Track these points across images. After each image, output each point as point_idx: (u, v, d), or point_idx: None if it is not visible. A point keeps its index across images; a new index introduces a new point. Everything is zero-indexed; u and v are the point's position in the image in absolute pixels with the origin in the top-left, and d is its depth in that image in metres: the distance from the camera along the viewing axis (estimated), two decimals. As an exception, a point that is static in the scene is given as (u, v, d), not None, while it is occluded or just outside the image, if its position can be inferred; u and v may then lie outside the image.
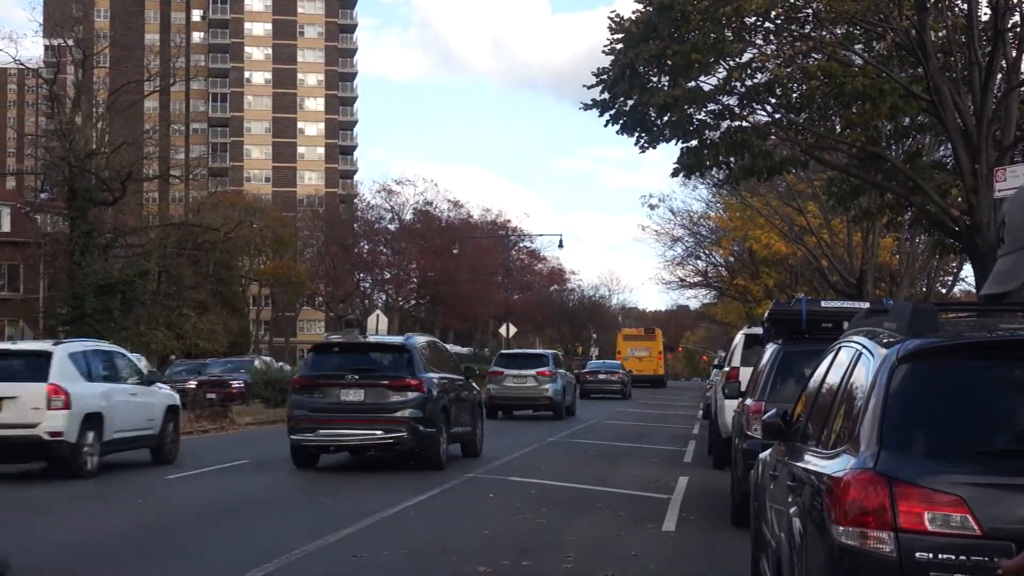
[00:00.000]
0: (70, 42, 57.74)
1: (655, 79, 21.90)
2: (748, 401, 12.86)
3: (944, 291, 47.52)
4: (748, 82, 22.05)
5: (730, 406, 16.41)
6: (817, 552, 5.00)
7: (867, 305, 12.32)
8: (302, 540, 11.05)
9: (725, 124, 22.86)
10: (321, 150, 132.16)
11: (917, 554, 4.47)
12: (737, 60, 21.73)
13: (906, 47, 20.78)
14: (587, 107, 22.61)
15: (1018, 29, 20.94)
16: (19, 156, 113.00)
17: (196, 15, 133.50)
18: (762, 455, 7.88)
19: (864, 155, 22.96)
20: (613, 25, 21.85)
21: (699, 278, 69.37)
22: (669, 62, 20.92)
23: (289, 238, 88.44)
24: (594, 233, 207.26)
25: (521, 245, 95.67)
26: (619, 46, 21.69)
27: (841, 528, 4.68)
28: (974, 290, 24.89)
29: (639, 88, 21.65)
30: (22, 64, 57.93)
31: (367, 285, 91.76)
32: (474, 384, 21.92)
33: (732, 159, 23.16)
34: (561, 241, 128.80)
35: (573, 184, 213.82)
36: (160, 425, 19.38)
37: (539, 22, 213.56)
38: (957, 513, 4.46)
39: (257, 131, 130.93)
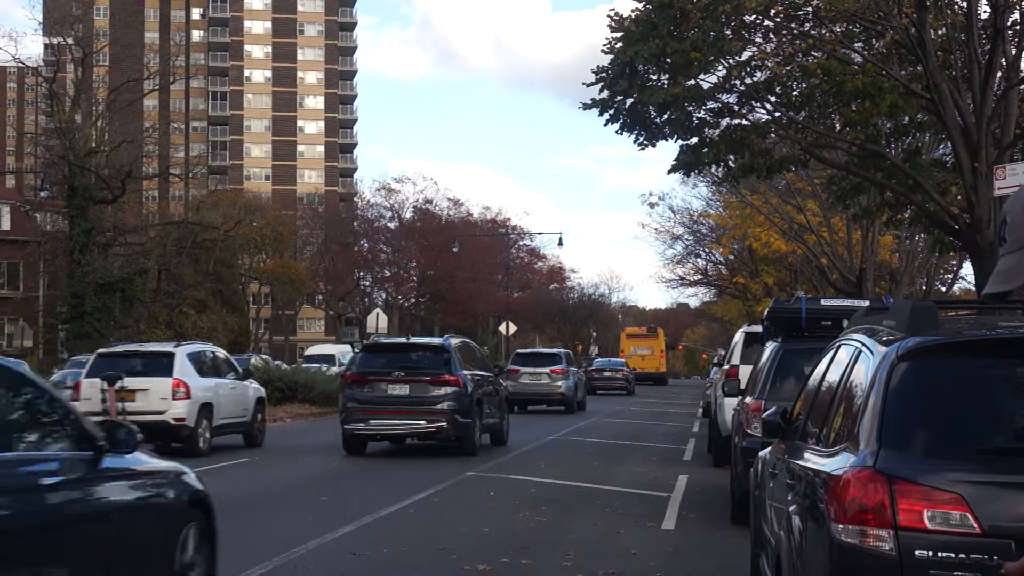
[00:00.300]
0: (70, 40, 57.68)
1: (655, 77, 21.89)
2: (748, 399, 12.86)
3: (944, 289, 47.52)
4: (748, 80, 22.05)
5: (730, 404, 16.43)
6: (817, 550, 5.00)
7: (867, 303, 12.29)
8: (302, 538, 11.05)
9: (725, 122, 22.87)
10: (321, 148, 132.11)
11: (917, 552, 4.47)
12: (737, 58, 21.73)
13: (905, 45, 20.77)
14: (586, 106, 22.59)
15: (1017, 27, 20.92)
16: (19, 154, 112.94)
17: (196, 13, 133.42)
18: (762, 453, 7.88)
19: (864, 153, 22.96)
20: (613, 23, 21.84)
21: (699, 276, 69.39)
22: (669, 60, 20.91)
23: (289, 236, 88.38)
24: (594, 231, 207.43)
25: (521, 243, 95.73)
26: (619, 44, 21.68)
27: (841, 526, 4.68)
28: (974, 288, 24.88)
29: (639, 86, 21.63)
30: (22, 62, 57.84)
31: (367, 283, 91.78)
32: (501, 380, 24.13)
33: (732, 157, 23.17)
34: (561, 239, 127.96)
35: (573, 182, 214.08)
36: (252, 413, 22.77)
37: (539, 20, 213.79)
38: (957, 511, 4.46)
39: (257, 129, 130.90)
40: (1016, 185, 16.33)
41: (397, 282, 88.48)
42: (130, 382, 19.62)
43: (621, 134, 22.66)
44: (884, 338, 5.27)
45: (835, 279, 39.33)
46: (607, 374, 54.78)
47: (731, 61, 21.70)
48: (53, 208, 55.93)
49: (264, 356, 49.98)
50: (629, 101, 22.07)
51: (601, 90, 22.28)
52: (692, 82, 21.78)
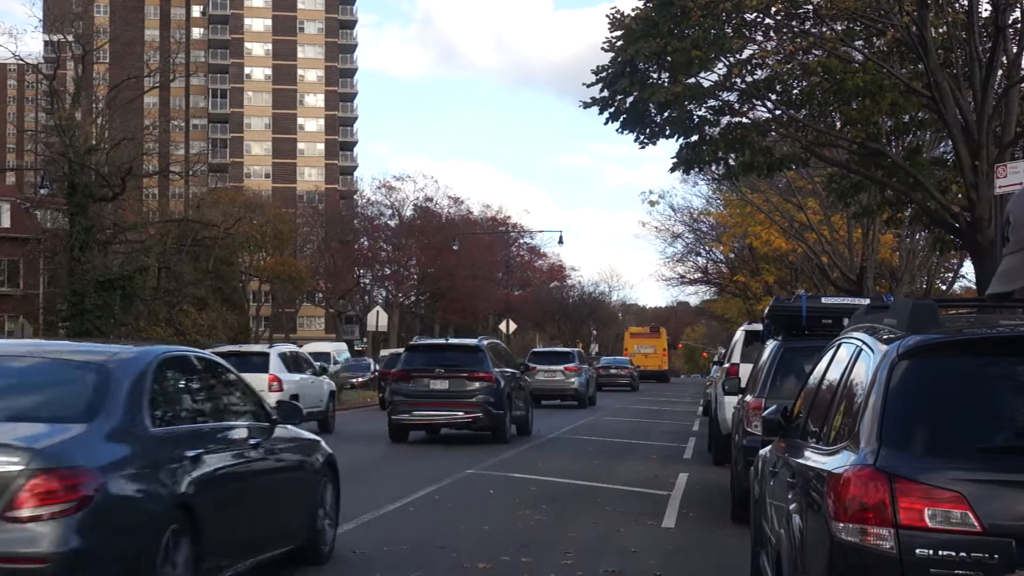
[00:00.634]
0: (70, 38, 57.66)
1: (655, 75, 21.87)
2: (748, 397, 12.85)
3: (944, 287, 47.51)
4: (748, 78, 22.04)
5: (730, 402, 16.40)
6: (817, 548, 5.00)
7: (867, 301, 12.29)
8: (302, 536, 11.04)
9: (725, 120, 22.87)
10: (321, 146, 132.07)
11: (917, 550, 4.47)
12: (737, 56, 21.72)
13: (906, 43, 20.75)
14: (587, 105, 22.58)
15: (1018, 25, 20.91)
16: (19, 152, 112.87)
17: (196, 11, 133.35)
18: (762, 451, 7.87)
19: (864, 151, 22.95)
20: (613, 22, 21.83)
21: (699, 274, 69.38)
22: (669, 58, 20.90)
23: (289, 234, 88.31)
24: (594, 229, 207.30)
25: (521, 241, 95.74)
26: (619, 42, 21.67)
27: (841, 524, 4.68)
28: (974, 286, 24.87)
29: (639, 84, 21.62)
30: (22, 60, 57.82)
31: (367, 281, 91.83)
32: (526, 377, 26.83)
33: (732, 155, 23.16)
34: (561, 237, 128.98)
35: (574, 180, 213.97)
36: (326, 404, 25.79)
37: (541, 18, 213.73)
38: (957, 509, 4.46)
39: (257, 127, 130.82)
40: (1017, 183, 16.33)
41: (397, 280, 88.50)
42: None
43: (622, 132, 22.66)
44: (885, 336, 5.26)
45: (836, 277, 39.33)
46: (613, 371, 57.45)
47: (732, 59, 21.69)
48: (53, 205, 55.92)
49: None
50: (629, 99, 22.07)
51: (602, 88, 22.27)
52: (693, 80, 21.77)
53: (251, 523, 8.26)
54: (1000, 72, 20.64)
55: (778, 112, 23.09)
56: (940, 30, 21.20)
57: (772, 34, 22.24)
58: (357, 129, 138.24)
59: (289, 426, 9.45)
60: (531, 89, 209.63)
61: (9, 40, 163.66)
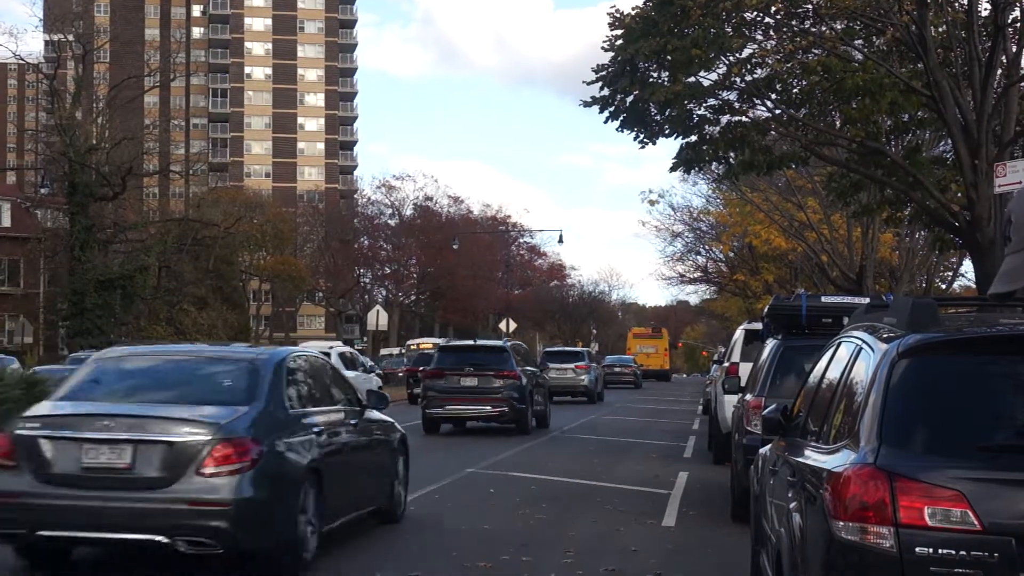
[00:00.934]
0: (70, 37, 57.73)
1: (655, 74, 21.86)
2: (748, 396, 12.84)
3: (944, 286, 47.48)
4: (748, 77, 22.02)
5: (730, 402, 16.39)
6: (817, 547, 5.00)
7: (867, 300, 12.29)
8: (302, 535, 11.06)
9: (725, 119, 22.84)
10: (321, 145, 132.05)
11: (917, 549, 4.47)
12: (737, 55, 21.70)
13: (906, 42, 20.75)
14: (587, 104, 22.57)
15: (1018, 24, 20.90)
16: (19, 151, 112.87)
17: (196, 10, 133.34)
18: (762, 450, 7.88)
19: (864, 150, 22.95)
20: (613, 21, 21.83)
21: (699, 274, 69.31)
22: (669, 57, 20.89)
23: (289, 234, 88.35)
24: (594, 229, 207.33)
25: (521, 241, 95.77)
26: (619, 42, 21.66)
27: (841, 523, 4.68)
28: (974, 285, 24.87)
29: (639, 84, 21.62)
30: (22, 59, 57.89)
31: (367, 280, 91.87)
32: (545, 374, 29.20)
33: (732, 154, 23.16)
34: (561, 237, 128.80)
35: (574, 180, 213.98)
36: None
37: (541, 17, 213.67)
38: (957, 508, 4.46)
39: (257, 126, 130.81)
40: (1016, 182, 16.34)
41: (397, 279, 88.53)
42: None
43: (622, 131, 22.66)
44: (885, 335, 5.26)
45: (835, 276, 39.31)
46: (617, 370, 60.48)
47: (731, 58, 21.68)
48: (54, 205, 55.97)
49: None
50: (629, 98, 22.06)
51: (602, 87, 22.26)
52: (692, 79, 21.75)
53: (354, 485, 10.56)
54: (1000, 71, 20.63)
55: (778, 111, 23.09)
56: (940, 29, 21.19)
57: (772, 33, 22.23)
58: (357, 129, 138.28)
59: (373, 411, 11.47)
60: (531, 89, 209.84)
61: (9, 40, 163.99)
